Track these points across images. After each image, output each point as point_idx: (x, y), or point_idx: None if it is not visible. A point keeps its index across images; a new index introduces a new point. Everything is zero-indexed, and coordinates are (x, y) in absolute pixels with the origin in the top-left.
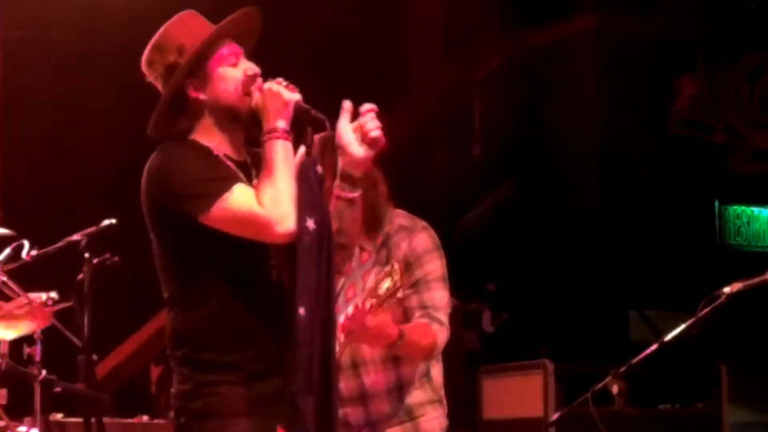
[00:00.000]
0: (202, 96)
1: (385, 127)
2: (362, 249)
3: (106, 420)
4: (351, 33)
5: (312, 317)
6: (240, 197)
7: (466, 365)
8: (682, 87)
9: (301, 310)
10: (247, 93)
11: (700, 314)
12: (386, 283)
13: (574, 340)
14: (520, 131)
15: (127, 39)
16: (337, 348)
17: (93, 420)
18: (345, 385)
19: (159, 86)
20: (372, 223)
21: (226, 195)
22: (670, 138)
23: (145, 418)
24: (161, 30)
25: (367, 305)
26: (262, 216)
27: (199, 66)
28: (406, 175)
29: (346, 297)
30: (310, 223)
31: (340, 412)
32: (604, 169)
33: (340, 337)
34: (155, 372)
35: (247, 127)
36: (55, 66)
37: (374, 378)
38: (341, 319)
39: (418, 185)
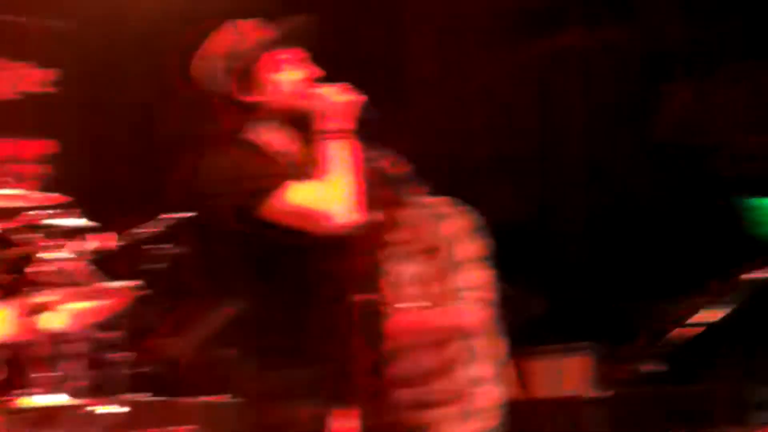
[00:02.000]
0: (255, 99)
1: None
2: (394, 239)
3: (180, 399)
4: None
5: (360, 303)
6: (294, 192)
7: (509, 348)
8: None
9: (351, 298)
10: (300, 95)
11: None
12: (435, 286)
13: (614, 324)
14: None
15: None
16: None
17: (168, 399)
18: (396, 367)
19: (211, 91)
20: (392, 215)
21: (281, 190)
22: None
23: (216, 397)
24: (215, 34)
25: (417, 306)
26: (315, 210)
27: (252, 70)
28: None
29: (390, 286)
30: (361, 214)
31: (393, 393)
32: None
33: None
34: (223, 353)
35: (301, 127)
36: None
37: (423, 359)
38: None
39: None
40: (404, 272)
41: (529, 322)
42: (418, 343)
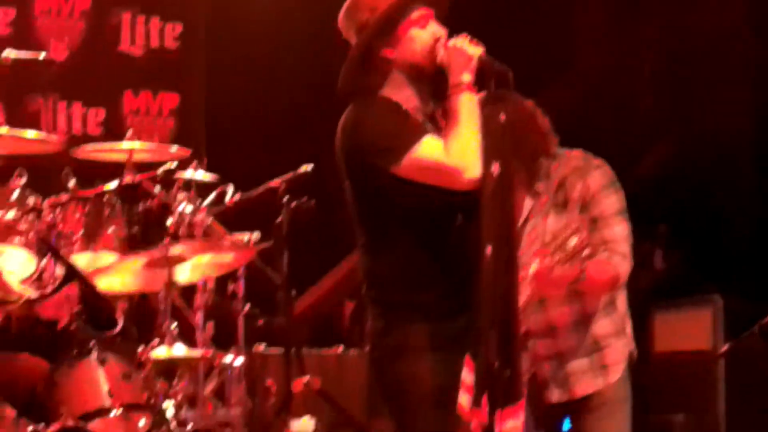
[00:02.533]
0: (391, 55)
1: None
2: (538, 193)
3: (304, 351)
4: None
5: (497, 256)
6: (429, 148)
7: (638, 303)
8: None
9: (488, 249)
10: (434, 52)
11: None
12: (573, 240)
13: (745, 278)
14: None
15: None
16: (522, 289)
17: (292, 351)
18: (533, 319)
19: (352, 43)
20: (535, 169)
21: (416, 147)
22: None
23: (340, 349)
24: None
25: (555, 260)
26: (450, 165)
27: (389, 26)
28: (577, 128)
29: (528, 240)
30: (495, 169)
31: (529, 344)
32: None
33: (525, 280)
34: (349, 307)
35: (434, 82)
36: (258, 19)
37: (560, 312)
38: (530, 268)
39: (589, 140)
40: (546, 225)
41: (660, 275)
42: (557, 296)
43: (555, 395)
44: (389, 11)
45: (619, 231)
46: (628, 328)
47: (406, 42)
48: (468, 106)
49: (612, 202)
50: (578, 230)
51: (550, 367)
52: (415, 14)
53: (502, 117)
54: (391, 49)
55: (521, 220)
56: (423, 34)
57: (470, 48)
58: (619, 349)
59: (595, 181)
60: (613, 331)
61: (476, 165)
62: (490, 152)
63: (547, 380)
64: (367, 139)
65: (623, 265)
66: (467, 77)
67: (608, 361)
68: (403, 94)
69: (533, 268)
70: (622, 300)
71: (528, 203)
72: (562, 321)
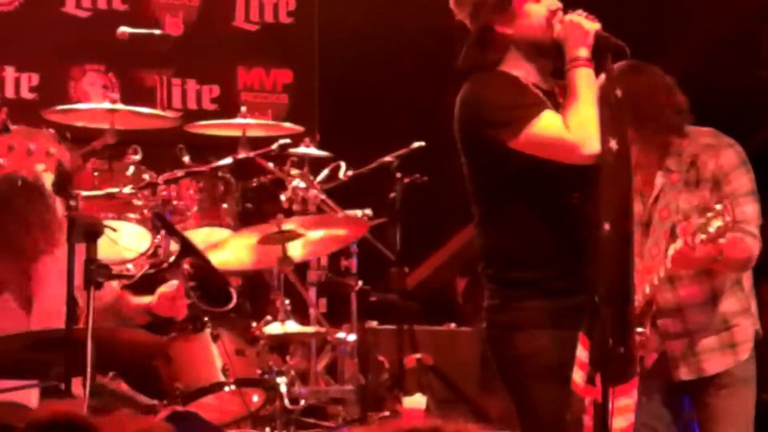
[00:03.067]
0: (508, 31)
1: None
2: (669, 170)
3: (416, 327)
4: None
5: (615, 232)
6: (548, 122)
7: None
8: None
9: (606, 226)
10: (550, 26)
11: None
12: (717, 222)
13: None
14: None
15: None
16: (657, 266)
17: (405, 327)
18: (662, 297)
19: (468, 22)
20: (667, 145)
21: (535, 120)
22: None
23: (452, 325)
24: None
25: (697, 240)
26: (568, 139)
27: (505, 3)
28: (693, 100)
29: (660, 217)
30: (613, 144)
31: (659, 322)
32: None
33: (667, 263)
34: (461, 283)
35: (553, 58)
36: (369, 1)
37: (689, 290)
38: (664, 245)
39: (704, 111)
40: (678, 203)
41: None
42: (687, 274)
43: (684, 373)
44: None
45: (751, 211)
46: (754, 307)
47: (522, 17)
48: (585, 81)
49: (744, 182)
50: (723, 212)
51: (679, 344)
52: None
53: (619, 92)
54: (508, 26)
55: (652, 197)
56: (538, 8)
57: (586, 23)
58: (747, 328)
59: (729, 159)
60: (741, 310)
61: (595, 139)
62: (607, 127)
63: (676, 358)
64: (485, 112)
65: (755, 246)
66: (584, 52)
67: (737, 340)
68: (522, 70)
69: (676, 246)
70: (747, 279)
71: (659, 180)
72: (691, 299)
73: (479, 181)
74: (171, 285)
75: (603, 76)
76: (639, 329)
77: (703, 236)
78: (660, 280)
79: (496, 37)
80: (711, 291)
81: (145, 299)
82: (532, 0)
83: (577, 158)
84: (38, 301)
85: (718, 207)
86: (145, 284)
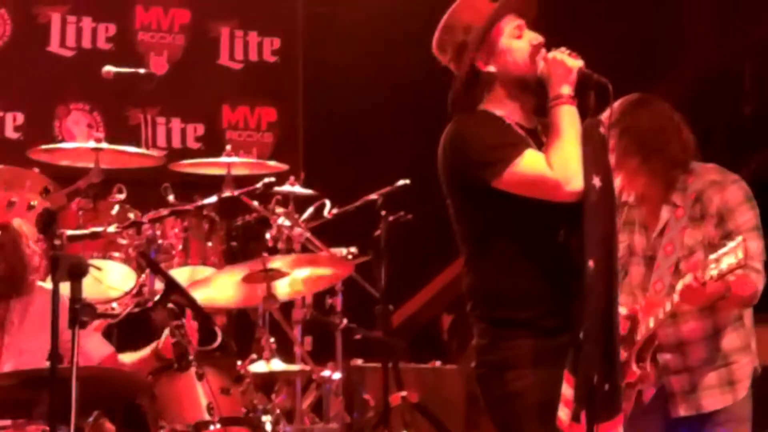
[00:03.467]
0: (491, 69)
1: None
2: (675, 205)
3: (402, 365)
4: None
5: (600, 269)
6: (530, 161)
7: None
8: None
9: (590, 263)
10: (534, 62)
11: None
12: (729, 259)
13: None
14: None
15: (426, 17)
16: (664, 300)
17: (390, 365)
18: (663, 333)
19: (451, 66)
20: (672, 180)
21: (518, 160)
22: None
23: (437, 363)
24: (448, 12)
25: (707, 276)
26: (551, 177)
27: (486, 41)
28: None
29: (665, 252)
30: (596, 181)
31: (660, 358)
32: None
33: (674, 298)
34: (446, 320)
35: (536, 95)
36: (354, 39)
37: (691, 325)
38: (674, 282)
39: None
40: (683, 238)
41: None
42: (689, 310)
43: (683, 409)
44: (484, 26)
45: (755, 247)
46: (753, 344)
47: (505, 53)
48: (568, 119)
49: (749, 218)
50: (736, 250)
51: (678, 380)
52: (510, 26)
53: (602, 129)
54: (491, 63)
55: (657, 230)
56: (520, 44)
57: (569, 60)
58: (746, 365)
59: (734, 196)
60: (741, 347)
61: (578, 177)
62: (590, 164)
63: (674, 394)
64: (468, 153)
65: (760, 281)
66: (567, 89)
67: (736, 377)
68: (505, 109)
69: (685, 281)
70: (748, 315)
71: (664, 213)
72: (692, 335)
73: (465, 221)
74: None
75: (610, 110)
76: (638, 363)
77: (714, 273)
78: (665, 315)
79: (480, 76)
80: (713, 327)
81: (139, 354)
82: (512, 36)
83: (561, 196)
84: (10, 346)
85: (732, 244)
86: (130, 323)
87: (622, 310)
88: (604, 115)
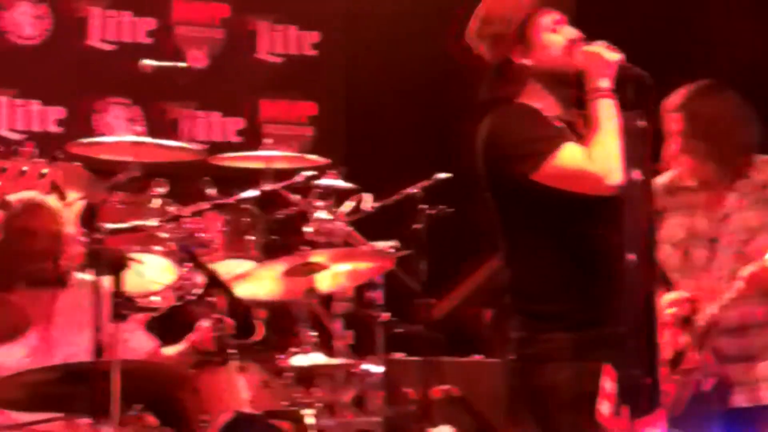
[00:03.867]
0: (528, 62)
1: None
2: (739, 191)
3: (442, 359)
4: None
5: (640, 262)
6: (570, 154)
7: None
8: None
9: (630, 256)
10: (571, 56)
11: None
12: None
13: None
14: None
15: (468, 10)
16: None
17: (431, 358)
18: (725, 318)
19: (485, 55)
20: (739, 166)
21: (557, 152)
22: None
23: (478, 357)
24: (486, 2)
25: None
26: (591, 171)
27: (524, 34)
28: None
29: (728, 237)
30: (636, 174)
31: (718, 344)
32: None
33: (740, 283)
34: (487, 314)
35: (574, 88)
36: (395, 33)
37: (751, 310)
38: (738, 267)
39: None
40: (745, 223)
41: None
42: (751, 295)
43: (740, 399)
44: (522, 18)
45: None
46: None
47: (541, 48)
48: (607, 111)
49: None
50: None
51: (737, 369)
52: (547, 19)
53: (641, 122)
54: (526, 57)
55: (721, 215)
56: (557, 38)
57: (608, 53)
58: None
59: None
60: None
61: (618, 170)
62: (629, 157)
63: (733, 383)
64: (506, 146)
65: None
66: (606, 83)
67: None
68: (542, 102)
69: (752, 267)
70: None
71: (729, 199)
72: (752, 319)
73: (504, 215)
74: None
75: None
76: (699, 350)
77: None
78: (729, 300)
79: (515, 69)
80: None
81: (177, 347)
82: (550, 30)
83: (600, 189)
84: (60, 341)
85: None
86: (171, 317)
87: (683, 294)
88: (670, 100)
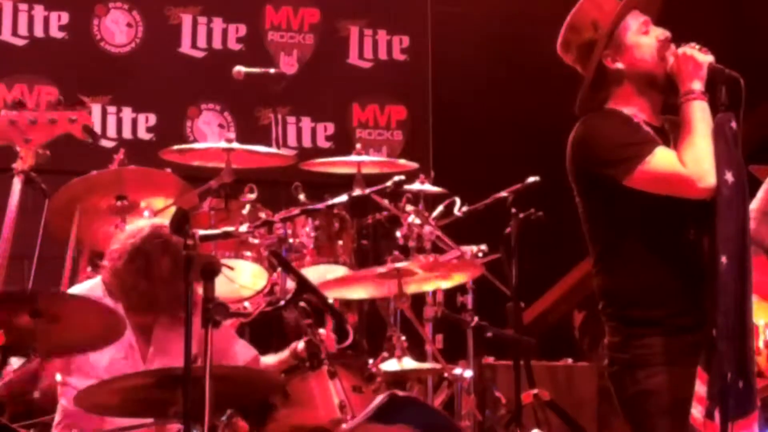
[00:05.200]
0: (619, 66)
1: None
2: None
3: (533, 362)
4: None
5: (733, 265)
6: (662, 158)
7: None
8: None
9: (723, 259)
10: (662, 58)
11: None
12: None
13: None
14: None
15: (554, 14)
16: None
17: (522, 362)
18: None
19: (577, 65)
20: None
21: (649, 157)
22: None
23: (569, 360)
24: (573, 11)
25: None
26: (684, 174)
27: (613, 38)
28: None
29: None
30: (729, 176)
31: None
32: None
33: None
34: (578, 317)
35: (664, 92)
36: (482, 38)
37: None
38: None
39: None
40: None
41: None
42: None
43: None
44: (611, 22)
45: None
46: None
47: (633, 50)
48: (700, 114)
49: None
50: None
51: None
52: (636, 22)
53: (734, 124)
54: (619, 60)
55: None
56: (648, 39)
57: (700, 55)
58: None
59: None
60: None
61: (711, 173)
62: (723, 160)
63: None
64: (598, 151)
65: None
66: (698, 85)
67: None
68: (633, 106)
69: None
70: None
71: None
72: None
73: (595, 221)
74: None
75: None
76: None
77: None
78: None
79: (608, 74)
80: None
81: (278, 356)
82: (641, 32)
83: (694, 193)
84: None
85: None
86: (262, 322)
87: None
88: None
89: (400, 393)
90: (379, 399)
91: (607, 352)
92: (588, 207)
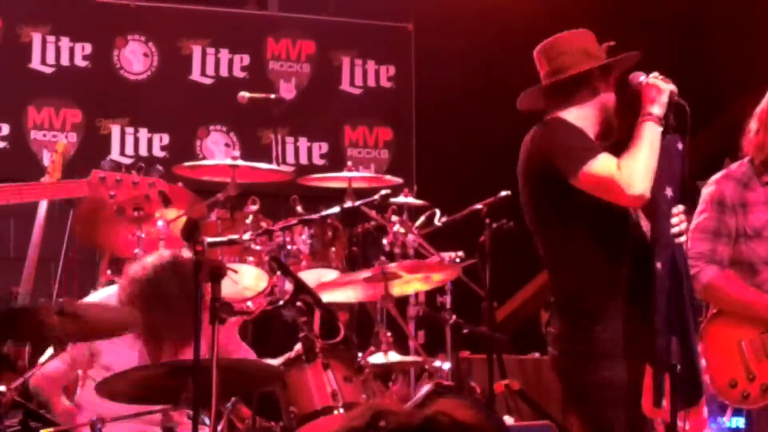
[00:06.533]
0: (589, 101)
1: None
2: None
3: (505, 356)
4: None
5: (667, 270)
6: (602, 163)
7: None
8: None
9: (658, 264)
10: (636, 85)
11: None
12: None
13: None
14: None
15: (530, 43)
16: None
17: (494, 356)
18: None
19: (546, 79)
20: None
21: (592, 161)
22: None
23: (537, 354)
24: (562, 36)
25: None
26: (616, 180)
27: (595, 78)
28: None
29: None
30: (668, 192)
31: None
32: None
33: None
34: (545, 316)
35: (606, 139)
36: (460, 68)
37: None
38: None
39: None
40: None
41: None
42: None
43: None
44: (600, 66)
45: None
46: None
47: (604, 98)
48: (650, 133)
49: None
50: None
51: None
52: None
53: (680, 145)
54: (590, 98)
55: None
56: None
57: (662, 84)
58: None
59: None
60: None
61: (642, 183)
62: (666, 176)
63: None
64: (550, 152)
65: None
66: (657, 110)
67: None
68: (585, 126)
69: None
70: None
71: None
72: None
73: (543, 221)
74: None
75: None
76: None
77: None
78: None
79: (585, 87)
80: None
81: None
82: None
83: (623, 199)
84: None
85: None
86: (263, 319)
87: None
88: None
89: (444, 383)
90: (426, 388)
91: (556, 342)
92: (536, 205)
